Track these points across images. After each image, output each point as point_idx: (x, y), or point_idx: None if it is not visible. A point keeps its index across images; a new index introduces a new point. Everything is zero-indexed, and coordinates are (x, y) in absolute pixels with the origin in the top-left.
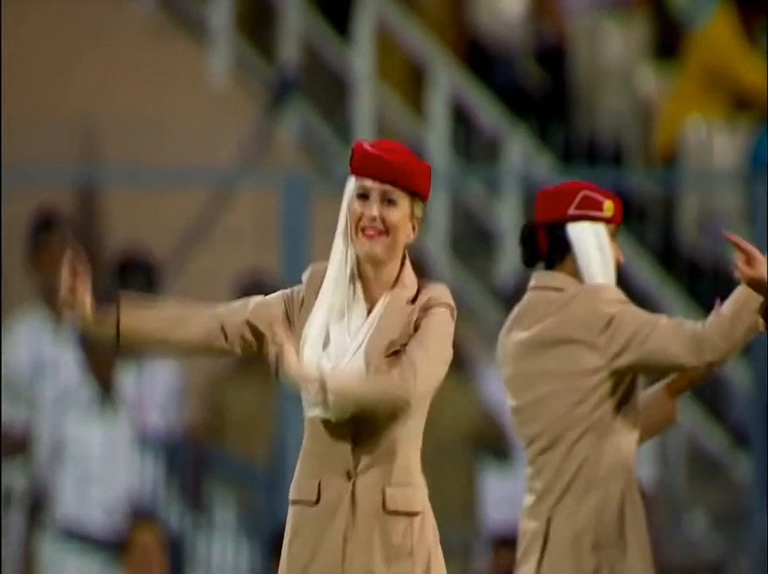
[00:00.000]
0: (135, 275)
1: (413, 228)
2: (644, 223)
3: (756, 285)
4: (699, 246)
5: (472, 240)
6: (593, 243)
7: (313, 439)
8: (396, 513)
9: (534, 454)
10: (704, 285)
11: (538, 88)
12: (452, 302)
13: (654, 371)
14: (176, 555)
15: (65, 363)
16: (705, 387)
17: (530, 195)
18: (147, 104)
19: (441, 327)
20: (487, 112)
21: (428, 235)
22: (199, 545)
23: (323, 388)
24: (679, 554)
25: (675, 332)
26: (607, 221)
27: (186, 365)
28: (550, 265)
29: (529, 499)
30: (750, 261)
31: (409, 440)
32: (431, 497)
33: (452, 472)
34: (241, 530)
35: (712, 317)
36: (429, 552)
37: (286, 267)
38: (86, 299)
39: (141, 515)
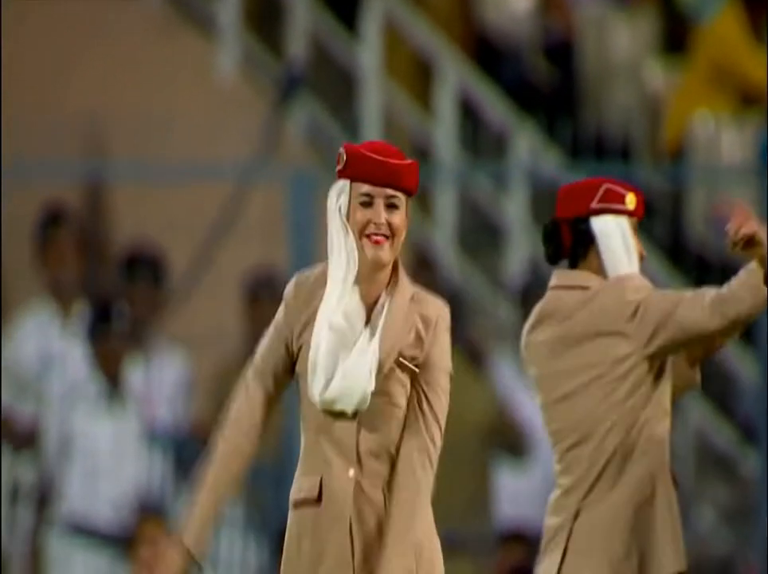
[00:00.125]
0: (142, 270)
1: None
2: (651, 218)
3: (755, 243)
4: (707, 241)
5: (479, 235)
6: (616, 236)
7: (314, 436)
8: None
9: (563, 450)
10: (712, 279)
11: (546, 83)
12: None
13: (687, 346)
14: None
15: (73, 358)
16: (713, 383)
17: (537, 190)
18: (155, 99)
19: (447, 359)
20: (495, 106)
21: (435, 230)
22: None
23: None
24: (687, 549)
25: (695, 301)
26: (630, 214)
27: (193, 360)
28: (574, 261)
29: (555, 494)
30: (742, 222)
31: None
32: (444, 492)
33: (465, 467)
34: (249, 526)
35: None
36: (430, 542)
37: (294, 262)
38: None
39: (149, 510)
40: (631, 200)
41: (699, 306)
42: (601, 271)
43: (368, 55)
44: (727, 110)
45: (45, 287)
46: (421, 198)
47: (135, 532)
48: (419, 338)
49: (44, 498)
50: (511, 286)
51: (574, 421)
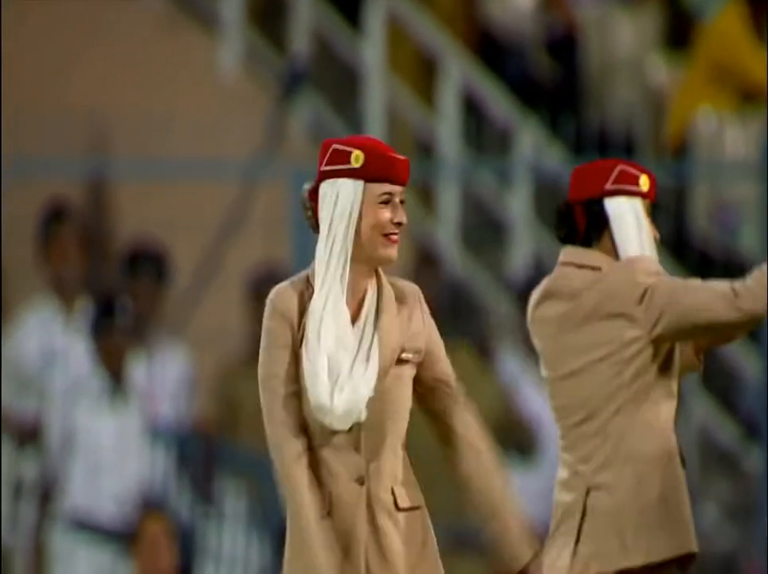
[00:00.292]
0: (144, 267)
1: None
2: (655, 214)
3: None
4: (711, 236)
5: (483, 231)
6: (630, 218)
7: (319, 451)
8: (406, 509)
9: (568, 427)
10: (716, 275)
11: (550, 79)
12: None
13: (694, 335)
14: (186, 546)
15: (76, 354)
16: (717, 379)
17: (540, 186)
18: (157, 96)
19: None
20: (499, 103)
21: (438, 226)
22: (209, 537)
23: None
24: None
25: (707, 289)
26: (643, 196)
27: (196, 356)
28: (588, 243)
29: (563, 472)
30: None
31: (403, 438)
32: (450, 489)
33: None
34: (251, 522)
35: (751, 273)
36: (433, 542)
37: (297, 258)
38: None
39: (151, 506)
40: (645, 182)
41: (712, 296)
42: (613, 253)
43: (371, 51)
44: (730, 106)
45: (47, 283)
46: (425, 194)
47: (137, 528)
48: (417, 325)
49: (47, 494)
50: (514, 281)
51: (581, 398)
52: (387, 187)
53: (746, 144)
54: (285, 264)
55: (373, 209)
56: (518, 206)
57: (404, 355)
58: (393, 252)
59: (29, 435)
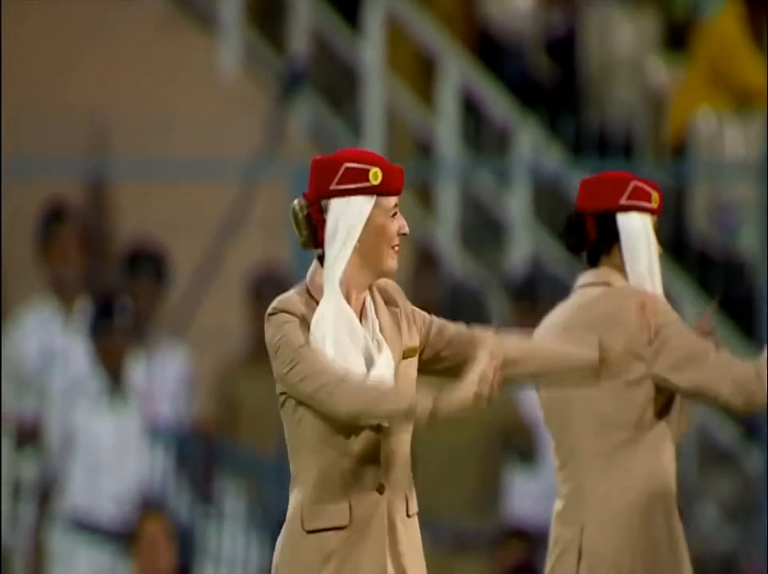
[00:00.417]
0: (144, 267)
1: None
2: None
3: None
4: (710, 237)
5: (481, 231)
6: (641, 235)
7: (329, 459)
8: (413, 516)
9: (566, 458)
10: (715, 276)
11: (549, 79)
12: None
13: (694, 400)
14: (185, 546)
15: (75, 354)
16: None
17: (539, 187)
18: (157, 96)
19: None
20: (498, 103)
21: (437, 226)
22: (208, 537)
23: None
24: (689, 546)
25: (726, 372)
26: (653, 212)
27: (196, 356)
28: (596, 255)
29: (559, 504)
30: None
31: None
32: (453, 491)
33: (475, 467)
34: (251, 522)
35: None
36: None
37: (297, 258)
38: None
39: (150, 506)
40: (656, 198)
41: (730, 379)
42: (621, 268)
43: (371, 51)
44: (729, 106)
45: (47, 284)
46: (424, 194)
47: (137, 528)
48: (408, 321)
49: (46, 494)
50: (511, 281)
51: (577, 429)
52: (395, 200)
53: (745, 144)
54: (285, 264)
55: (384, 222)
56: (517, 207)
57: (406, 353)
58: (396, 263)
59: (29, 435)
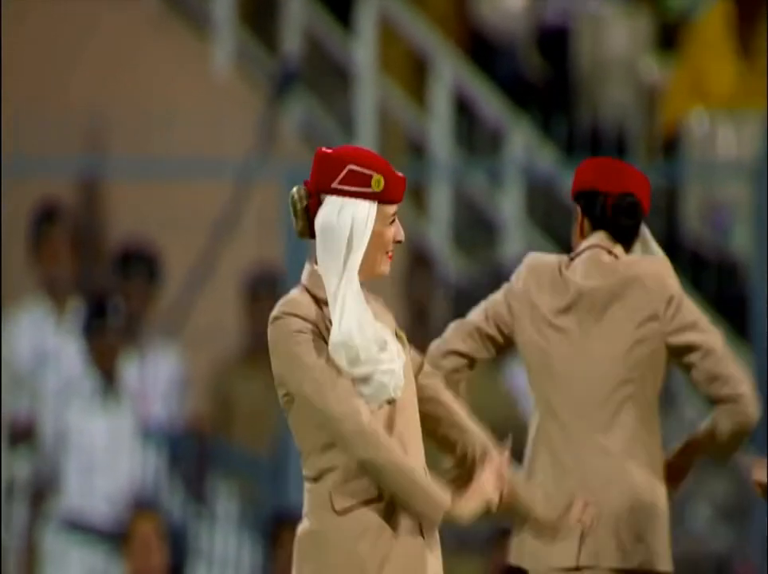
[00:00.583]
0: (136, 266)
1: None
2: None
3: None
4: (703, 237)
5: (474, 231)
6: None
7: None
8: None
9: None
10: (707, 276)
11: (541, 79)
12: None
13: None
14: (177, 546)
15: (68, 354)
16: None
17: (532, 187)
18: (150, 96)
19: None
20: (490, 103)
21: (430, 227)
22: (201, 537)
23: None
24: (683, 546)
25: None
26: None
27: (189, 356)
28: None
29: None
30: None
31: None
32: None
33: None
34: (243, 522)
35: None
36: None
37: (290, 258)
38: None
39: (143, 505)
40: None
41: (745, 375)
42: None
43: (363, 51)
44: (722, 106)
45: (39, 284)
46: (416, 195)
47: (129, 527)
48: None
49: (39, 494)
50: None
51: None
52: (395, 208)
53: (738, 145)
54: (278, 264)
55: (381, 229)
56: (509, 207)
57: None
58: (388, 267)
59: (22, 435)
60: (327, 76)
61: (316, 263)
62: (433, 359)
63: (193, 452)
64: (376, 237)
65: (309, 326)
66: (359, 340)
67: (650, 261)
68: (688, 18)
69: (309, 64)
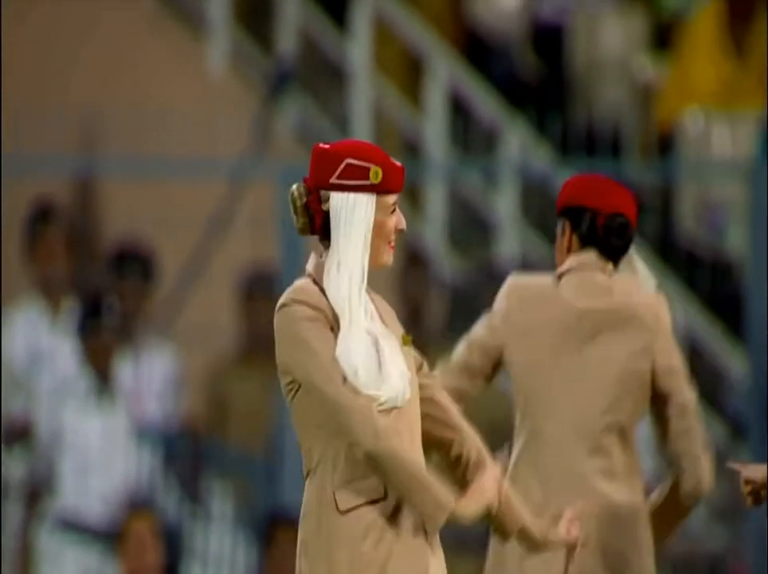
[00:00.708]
0: (131, 266)
1: None
2: (641, 213)
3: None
4: (698, 237)
5: (469, 231)
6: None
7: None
8: None
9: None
10: (702, 275)
11: (536, 78)
12: None
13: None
14: (172, 545)
15: (62, 354)
16: (703, 379)
17: (527, 186)
18: (146, 95)
19: None
20: (485, 102)
21: (425, 226)
22: (196, 536)
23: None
24: (678, 546)
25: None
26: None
27: (184, 355)
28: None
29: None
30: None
31: None
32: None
33: None
34: (238, 522)
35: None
36: None
37: (285, 258)
38: None
39: (138, 505)
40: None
41: (707, 453)
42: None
43: (358, 50)
44: (717, 105)
45: (34, 283)
46: (412, 194)
47: (124, 527)
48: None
49: (34, 494)
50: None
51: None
52: (394, 197)
53: (733, 144)
54: (273, 263)
55: (382, 219)
56: (505, 206)
57: (404, 340)
58: (391, 257)
59: (17, 435)
60: (321, 76)
61: (321, 256)
62: None
63: (187, 451)
64: (378, 228)
65: (318, 314)
66: (364, 379)
67: (647, 296)
68: (682, 18)
69: (304, 64)
